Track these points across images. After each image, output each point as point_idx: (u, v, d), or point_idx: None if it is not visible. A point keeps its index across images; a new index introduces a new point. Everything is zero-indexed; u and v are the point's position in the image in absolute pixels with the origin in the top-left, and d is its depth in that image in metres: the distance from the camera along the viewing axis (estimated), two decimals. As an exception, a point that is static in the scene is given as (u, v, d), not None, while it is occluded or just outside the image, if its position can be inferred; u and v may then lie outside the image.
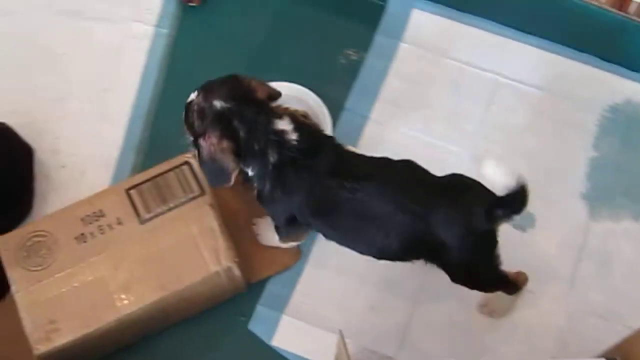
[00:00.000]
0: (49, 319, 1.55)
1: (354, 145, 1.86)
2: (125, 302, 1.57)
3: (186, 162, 1.68)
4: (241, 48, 2.01)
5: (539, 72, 1.95)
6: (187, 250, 1.61)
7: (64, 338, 1.54)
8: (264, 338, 1.73)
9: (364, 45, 1.99)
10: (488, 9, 1.98)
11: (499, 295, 1.68)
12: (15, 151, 1.82)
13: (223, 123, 1.46)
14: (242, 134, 1.47)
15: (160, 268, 1.60)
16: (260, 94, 1.50)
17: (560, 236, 1.81)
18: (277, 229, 1.67)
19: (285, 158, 1.48)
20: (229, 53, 2.00)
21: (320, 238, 1.75)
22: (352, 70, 1.97)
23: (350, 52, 1.99)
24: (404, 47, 1.99)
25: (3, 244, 1.61)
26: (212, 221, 1.63)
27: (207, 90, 1.48)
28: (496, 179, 1.40)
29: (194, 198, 1.65)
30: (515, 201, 1.40)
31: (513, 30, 1.99)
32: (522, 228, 1.80)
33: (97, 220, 1.63)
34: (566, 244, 1.80)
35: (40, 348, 1.53)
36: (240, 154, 1.48)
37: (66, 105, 1.93)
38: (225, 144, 1.46)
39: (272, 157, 1.48)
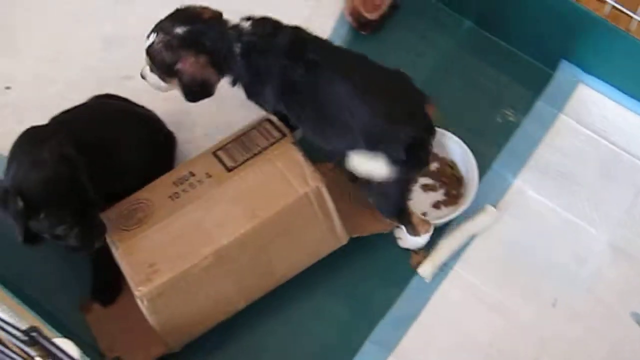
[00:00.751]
0: (148, 263, 1.58)
1: (494, 206, 1.84)
2: (221, 235, 1.60)
3: (267, 119, 1.75)
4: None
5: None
6: (274, 182, 1.65)
7: (164, 276, 1.57)
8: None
9: (524, 108, 1.97)
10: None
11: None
12: (162, 139, 1.87)
13: (191, 43, 1.60)
14: (209, 45, 1.61)
15: (250, 201, 1.64)
16: (207, 14, 1.64)
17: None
18: None
19: (246, 45, 1.60)
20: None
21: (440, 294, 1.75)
22: (507, 131, 1.95)
23: (509, 112, 1.97)
24: (562, 119, 1.96)
25: (104, 217, 1.65)
26: (295, 154, 1.68)
27: (162, 27, 1.62)
28: None
29: (275, 142, 1.71)
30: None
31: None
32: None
33: (187, 180, 1.69)
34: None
35: (142, 289, 1.56)
36: (216, 64, 1.62)
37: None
38: (201, 59, 1.61)
39: (237, 49, 1.60)
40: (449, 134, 1.86)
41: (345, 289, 1.79)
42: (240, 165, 1.69)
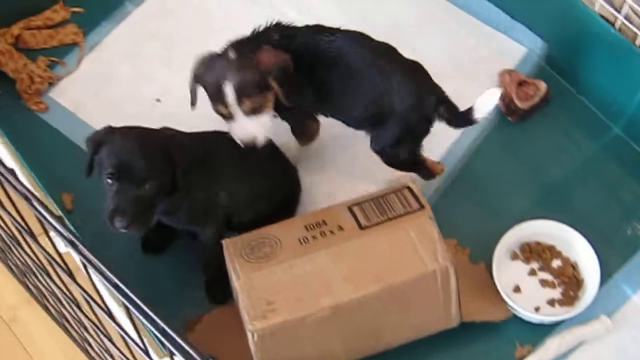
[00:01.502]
0: (266, 300, 1.60)
1: (609, 316, 1.82)
2: (343, 291, 1.62)
3: (407, 187, 1.76)
4: (537, 176, 2.03)
5: None
6: (405, 251, 1.66)
7: (280, 317, 1.58)
8: None
9: (656, 226, 1.96)
10: None
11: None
12: (292, 171, 1.94)
13: (255, 44, 1.70)
14: (273, 38, 1.72)
15: (378, 264, 1.65)
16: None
17: None
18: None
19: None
20: (524, 175, 2.03)
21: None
22: (635, 244, 1.93)
23: (640, 227, 1.96)
24: (692, 244, 1.94)
25: (231, 243, 1.70)
26: (430, 229, 1.68)
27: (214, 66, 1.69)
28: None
29: (413, 212, 1.72)
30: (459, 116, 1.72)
31: None
32: None
33: (319, 227, 1.72)
34: None
35: (257, 324, 1.57)
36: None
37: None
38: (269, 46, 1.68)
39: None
40: (578, 235, 1.86)
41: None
42: (373, 225, 1.71)
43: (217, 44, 2.17)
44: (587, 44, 2.04)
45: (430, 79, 1.74)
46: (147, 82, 2.17)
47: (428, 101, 1.71)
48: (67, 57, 2.21)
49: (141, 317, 0.86)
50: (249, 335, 1.60)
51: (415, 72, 1.74)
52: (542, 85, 2.08)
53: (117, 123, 2.01)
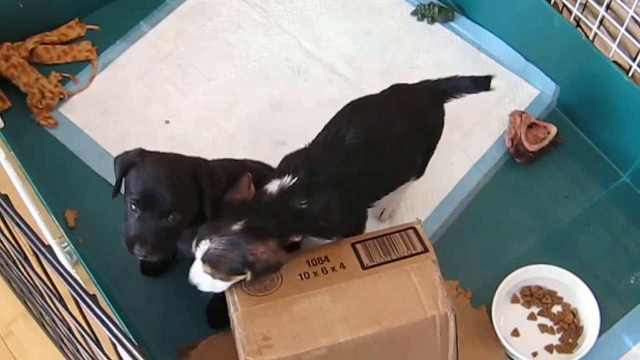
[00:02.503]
0: (263, 336, 1.58)
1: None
2: (340, 331, 1.59)
3: (412, 227, 1.73)
4: (542, 219, 2.02)
5: None
6: (405, 295, 1.63)
7: (275, 354, 1.56)
8: None
9: (660, 278, 1.94)
10: None
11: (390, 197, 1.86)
12: None
13: (254, 234, 1.58)
14: (272, 227, 1.59)
15: (377, 306, 1.62)
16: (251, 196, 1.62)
17: None
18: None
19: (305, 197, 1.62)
20: (529, 218, 2.03)
21: None
22: (636, 295, 1.92)
23: (643, 278, 1.95)
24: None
25: None
26: (433, 273, 1.65)
27: (213, 230, 1.56)
28: None
29: (416, 254, 1.69)
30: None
31: None
32: None
33: (321, 263, 1.69)
34: None
35: None
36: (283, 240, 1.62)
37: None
38: (271, 244, 1.58)
39: (298, 206, 1.62)
40: (581, 283, 1.85)
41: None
42: (376, 266, 1.68)
43: (230, 70, 2.20)
44: (600, 90, 2.04)
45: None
46: (157, 103, 2.17)
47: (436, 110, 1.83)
48: (79, 74, 2.22)
49: (126, 354, 0.85)
50: None
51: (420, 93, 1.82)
52: (553, 129, 2.07)
53: (125, 142, 2.04)
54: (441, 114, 1.83)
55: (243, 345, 1.58)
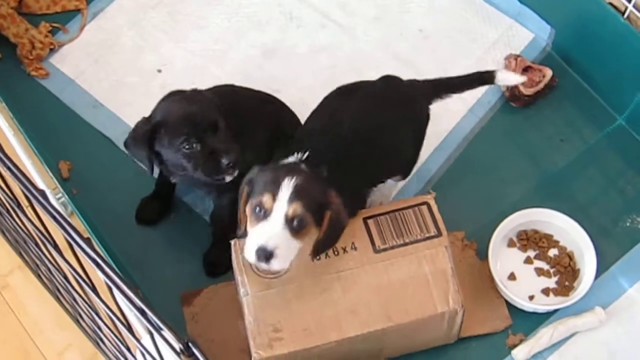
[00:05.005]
0: (274, 327, 1.57)
1: (603, 308, 1.80)
2: (350, 325, 1.59)
3: (425, 203, 1.69)
4: (537, 163, 2.02)
5: None
6: (417, 287, 1.62)
7: (285, 348, 1.56)
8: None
9: (655, 218, 1.94)
10: None
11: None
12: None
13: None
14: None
15: (389, 299, 1.61)
16: None
17: None
18: None
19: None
20: (524, 162, 2.02)
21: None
22: (633, 237, 1.92)
23: (639, 220, 1.94)
24: (691, 239, 1.92)
25: (241, 247, 1.61)
26: (445, 263, 1.64)
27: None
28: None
29: (429, 238, 1.66)
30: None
31: None
32: None
33: None
34: None
35: (261, 354, 1.55)
36: None
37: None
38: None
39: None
40: (576, 225, 1.84)
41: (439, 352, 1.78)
42: (388, 249, 1.64)
43: (221, 17, 2.17)
44: (595, 32, 2.02)
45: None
46: (149, 52, 2.15)
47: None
48: (69, 23, 2.19)
49: (121, 296, 0.85)
50: (254, 355, 1.58)
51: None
52: (548, 72, 2.05)
53: (117, 92, 2.02)
54: (427, 109, 1.80)
55: (253, 337, 1.57)
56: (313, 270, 1.61)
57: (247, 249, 1.46)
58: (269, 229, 1.44)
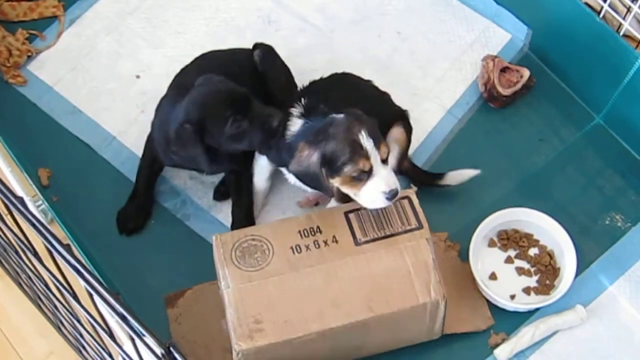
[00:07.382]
0: (255, 318, 1.57)
1: (584, 306, 1.81)
2: (332, 317, 1.59)
3: (406, 197, 1.70)
4: (517, 163, 2.02)
5: None
6: (398, 278, 1.62)
7: (266, 340, 1.56)
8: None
9: (634, 218, 1.95)
10: None
11: None
12: None
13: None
14: None
15: (370, 290, 1.61)
16: None
17: None
18: None
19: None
20: (503, 162, 2.02)
21: None
22: (612, 235, 1.93)
23: (618, 218, 1.95)
24: (671, 235, 1.94)
25: (222, 241, 1.65)
26: (427, 255, 1.64)
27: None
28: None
29: (411, 230, 1.67)
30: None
31: None
32: None
33: (313, 235, 1.66)
34: None
35: (242, 345, 1.55)
36: None
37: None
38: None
39: None
40: (556, 224, 1.85)
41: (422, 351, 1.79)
42: (369, 242, 1.65)
43: (200, 22, 2.17)
44: (572, 32, 2.03)
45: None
46: (127, 58, 2.15)
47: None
48: (46, 30, 2.19)
49: (102, 303, 0.85)
50: (234, 352, 1.58)
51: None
52: (526, 73, 2.06)
53: (95, 98, 2.02)
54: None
55: (234, 328, 1.57)
56: (295, 263, 1.62)
57: (371, 201, 1.63)
58: (385, 176, 1.61)
